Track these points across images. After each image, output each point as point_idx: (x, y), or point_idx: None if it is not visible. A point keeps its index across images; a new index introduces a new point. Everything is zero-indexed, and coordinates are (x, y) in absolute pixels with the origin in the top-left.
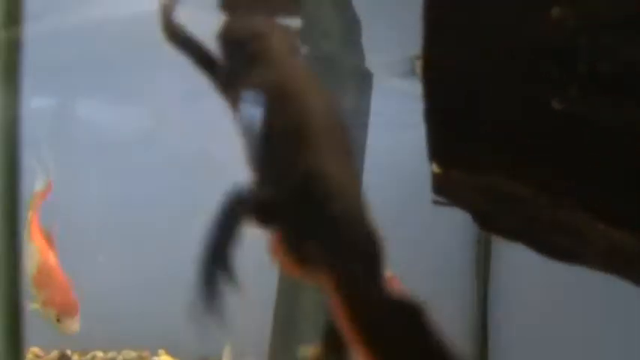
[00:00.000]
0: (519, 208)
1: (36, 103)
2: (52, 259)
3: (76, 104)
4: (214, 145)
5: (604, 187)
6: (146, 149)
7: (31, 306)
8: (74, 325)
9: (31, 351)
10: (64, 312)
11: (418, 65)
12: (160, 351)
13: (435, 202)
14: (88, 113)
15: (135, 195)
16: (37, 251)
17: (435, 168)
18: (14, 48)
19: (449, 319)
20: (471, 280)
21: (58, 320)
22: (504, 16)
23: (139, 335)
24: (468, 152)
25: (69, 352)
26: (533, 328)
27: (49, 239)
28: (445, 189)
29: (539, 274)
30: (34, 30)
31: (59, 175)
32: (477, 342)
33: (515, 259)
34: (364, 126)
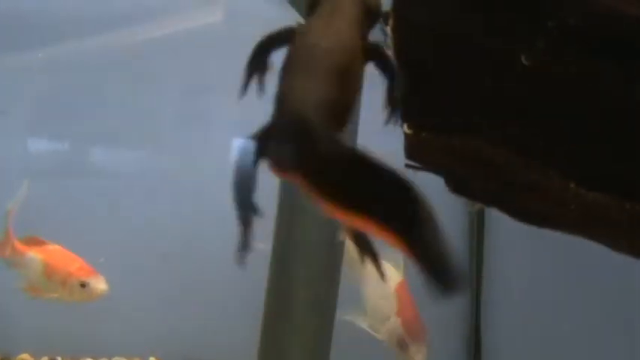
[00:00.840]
0: (491, 171)
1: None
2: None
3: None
4: None
5: (575, 145)
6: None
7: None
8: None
9: (21, 357)
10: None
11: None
12: (151, 358)
13: (407, 166)
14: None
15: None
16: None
17: (407, 129)
18: None
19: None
20: (463, 255)
21: (83, 285)
22: None
23: (130, 342)
24: (438, 113)
25: (59, 358)
26: (528, 307)
27: (38, 242)
28: (417, 152)
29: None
30: None
31: None
32: (469, 324)
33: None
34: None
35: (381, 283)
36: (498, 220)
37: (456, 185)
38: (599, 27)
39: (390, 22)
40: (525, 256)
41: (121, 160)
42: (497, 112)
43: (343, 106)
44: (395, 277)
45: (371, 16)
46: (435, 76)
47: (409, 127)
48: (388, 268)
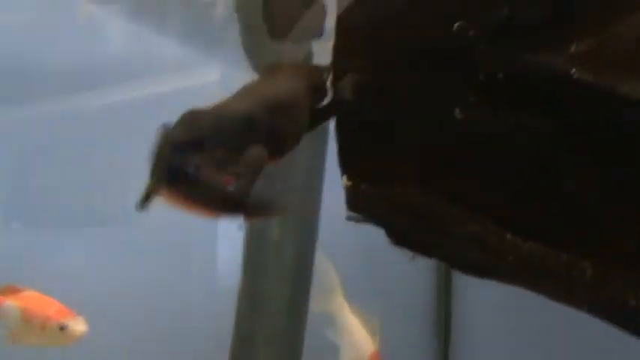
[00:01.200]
0: (431, 223)
1: None
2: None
3: None
4: None
5: (509, 197)
6: None
7: None
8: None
9: None
10: None
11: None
12: None
13: (349, 219)
14: None
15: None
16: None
17: (346, 181)
18: None
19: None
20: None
21: (62, 328)
22: (410, 29)
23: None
24: (377, 165)
25: None
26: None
27: (14, 290)
28: (358, 204)
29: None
30: None
31: None
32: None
33: None
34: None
35: (356, 350)
36: None
37: (398, 237)
38: (528, 82)
39: (330, 76)
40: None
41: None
42: (434, 164)
43: None
44: (369, 345)
45: (317, 91)
46: (374, 129)
47: (348, 178)
48: (363, 336)
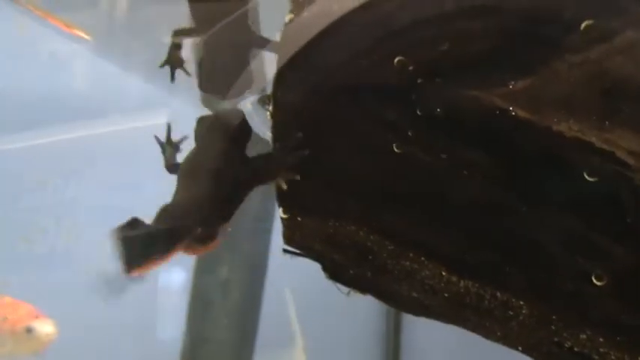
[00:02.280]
0: (366, 258)
1: None
2: None
3: None
4: None
5: (445, 234)
6: None
7: None
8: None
9: None
10: None
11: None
12: None
13: (285, 252)
14: None
15: None
16: None
17: (282, 213)
18: None
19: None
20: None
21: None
22: (350, 63)
23: None
24: (313, 197)
25: None
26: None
27: None
28: (294, 237)
29: None
30: None
31: None
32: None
33: None
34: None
35: None
36: None
37: (333, 271)
38: (466, 117)
39: (270, 107)
40: None
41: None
42: (371, 199)
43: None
44: None
45: (241, 133)
46: (311, 161)
47: (284, 211)
48: None
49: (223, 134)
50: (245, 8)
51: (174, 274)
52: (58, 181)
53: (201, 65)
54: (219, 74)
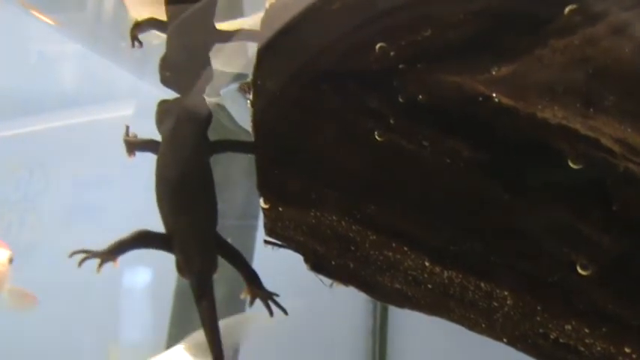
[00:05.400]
0: (348, 248)
1: None
2: None
3: None
4: None
5: (428, 223)
6: None
7: None
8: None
9: None
10: None
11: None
12: None
13: (267, 243)
14: None
15: None
16: None
17: (263, 203)
18: None
19: None
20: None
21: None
22: (330, 49)
23: None
24: (294, 187)
25: None
26: None
27: None
28: (275, 228)
29: None
30: None
31: None
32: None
33: None
34: (253, 227)
35: None
36: None
37: (315, 263)
38: (448, 104)
39: (250, 95)
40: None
41: None
42: (352, 188)
43: None
44: None
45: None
46: (292, 150)
47: (265, 201)
48: None
49: (195, 131)
50: (206, 1)
51: (139, 274)
52: (23, 175)
53: (164, 59)
54: (180, 68)
